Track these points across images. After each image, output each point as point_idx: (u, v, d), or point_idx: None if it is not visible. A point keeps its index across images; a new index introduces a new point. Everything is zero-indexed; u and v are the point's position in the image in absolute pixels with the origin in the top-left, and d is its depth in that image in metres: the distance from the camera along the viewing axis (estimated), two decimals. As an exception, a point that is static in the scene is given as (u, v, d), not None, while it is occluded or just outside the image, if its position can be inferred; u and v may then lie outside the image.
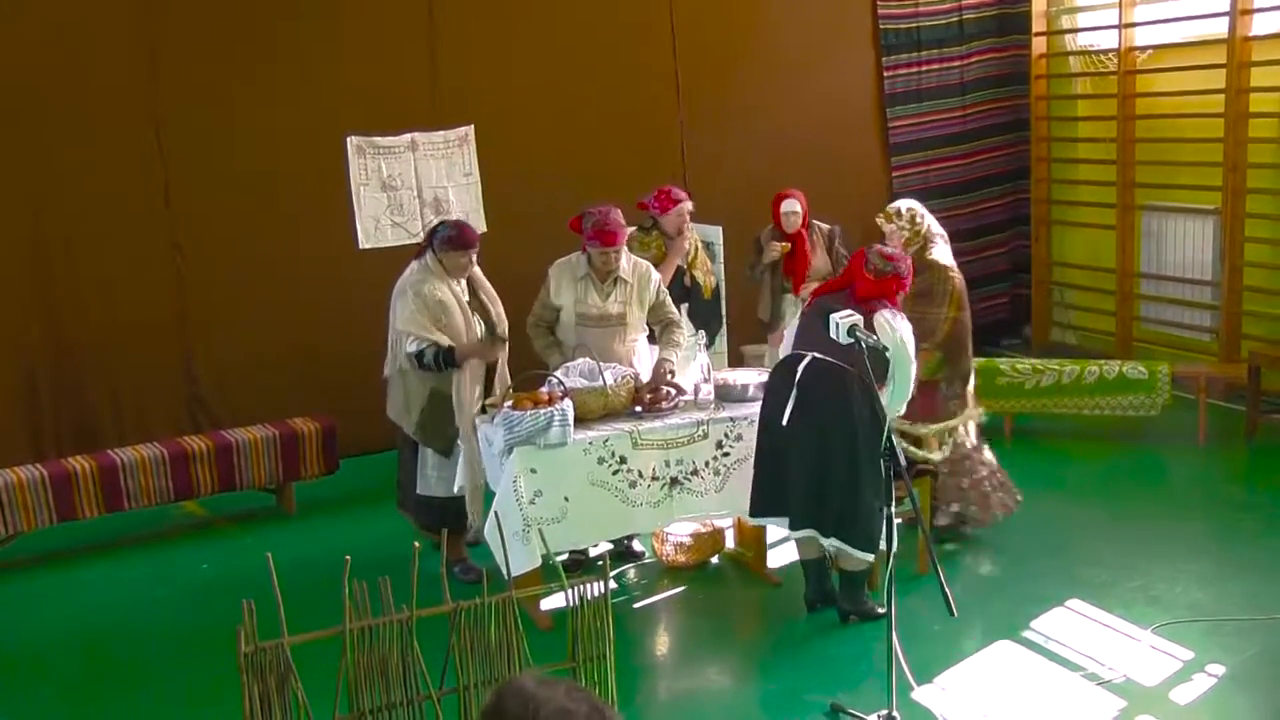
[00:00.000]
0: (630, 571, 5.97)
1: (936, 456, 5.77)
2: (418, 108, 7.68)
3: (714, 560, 6.03)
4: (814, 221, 7.14)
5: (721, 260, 7.04)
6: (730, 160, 8.49)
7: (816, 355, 4.89)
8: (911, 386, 5.00)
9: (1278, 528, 6.14)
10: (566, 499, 5.15)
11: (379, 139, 7.56)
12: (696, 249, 6.71)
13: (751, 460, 5.40)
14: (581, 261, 5.68)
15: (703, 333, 6.21)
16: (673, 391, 5.54)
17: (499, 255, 7.54)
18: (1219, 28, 8.00)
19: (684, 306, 6.65)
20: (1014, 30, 9.61)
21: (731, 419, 5.43)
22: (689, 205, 6.68)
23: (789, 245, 6.98)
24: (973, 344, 6.04)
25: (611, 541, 5.84)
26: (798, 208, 7.02)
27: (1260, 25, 7.88)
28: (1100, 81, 9.13)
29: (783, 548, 6.00)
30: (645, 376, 5.70)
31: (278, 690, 3.84)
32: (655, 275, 5.87)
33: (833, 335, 4.60)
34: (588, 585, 4.18)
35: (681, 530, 5.93)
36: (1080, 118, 9.46)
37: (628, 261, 5.73)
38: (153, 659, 5.28)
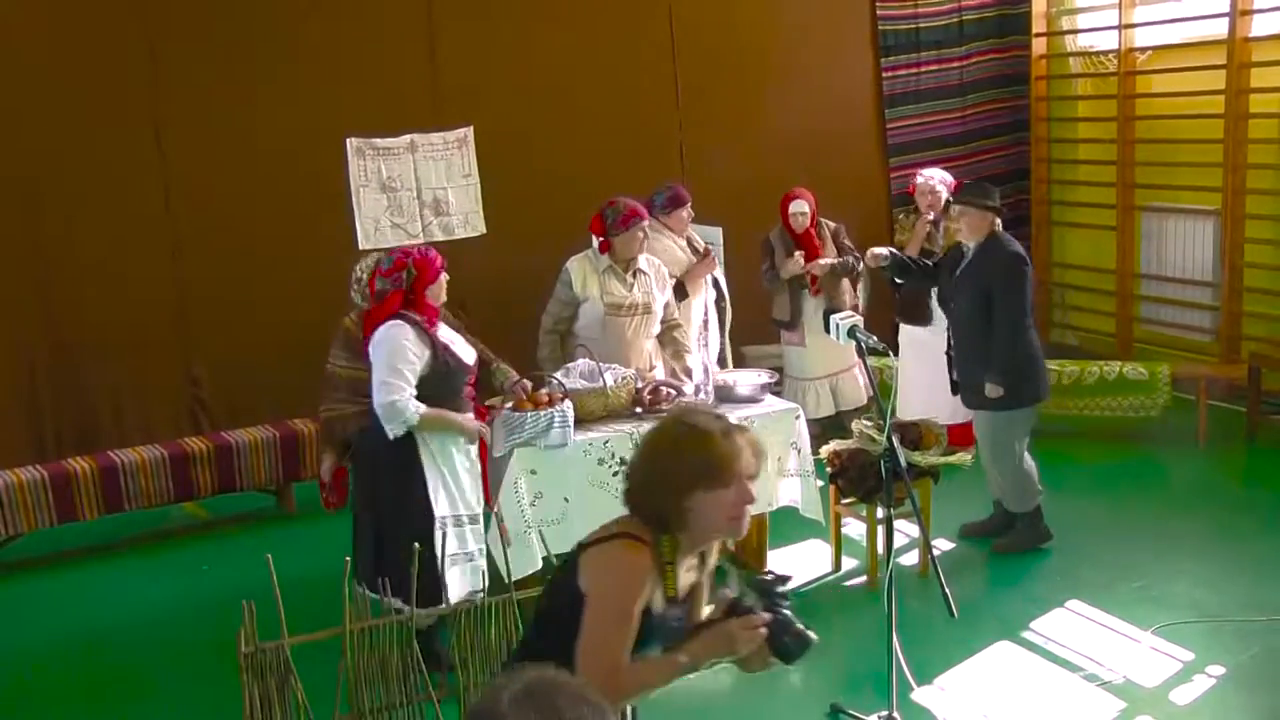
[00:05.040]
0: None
1: (935, 458, 5.77)
2: (417, 109, 7.67)
3: (714, 561, 6.02)
4: (821, 219, 7.24)
5: (722, 261, 7.04)
6: (729, 161, 8.48)
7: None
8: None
9: (1278, 528, 6.14)
10: (567, 500, 5.16)
11: (378, 140, 7.56)
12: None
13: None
14: (600, 257, 5.73)
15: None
16: (673, 392, 5.55)
17: (498, 256, 7.58)
18: (1219, 29, 8.00)
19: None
20: (1014, 31, 9.60)
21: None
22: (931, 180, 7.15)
23: (801, 260, 7.09)
24: None
25: None
26: (806, 208, 7.14)
27: (1260, 26, 7.88)
28: (1100, 82, 9.13)
29: (784, 550, 6.01)
30: (660, 373, 5.80)
31: (278, 691, 3.85)
32: (665, 270, 5.97)
33: (832, 336, 4.60)
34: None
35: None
36: (1080, 119, 9.46)
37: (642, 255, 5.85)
38: (153, 660, 5.28)
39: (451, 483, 4.74)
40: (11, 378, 6.93)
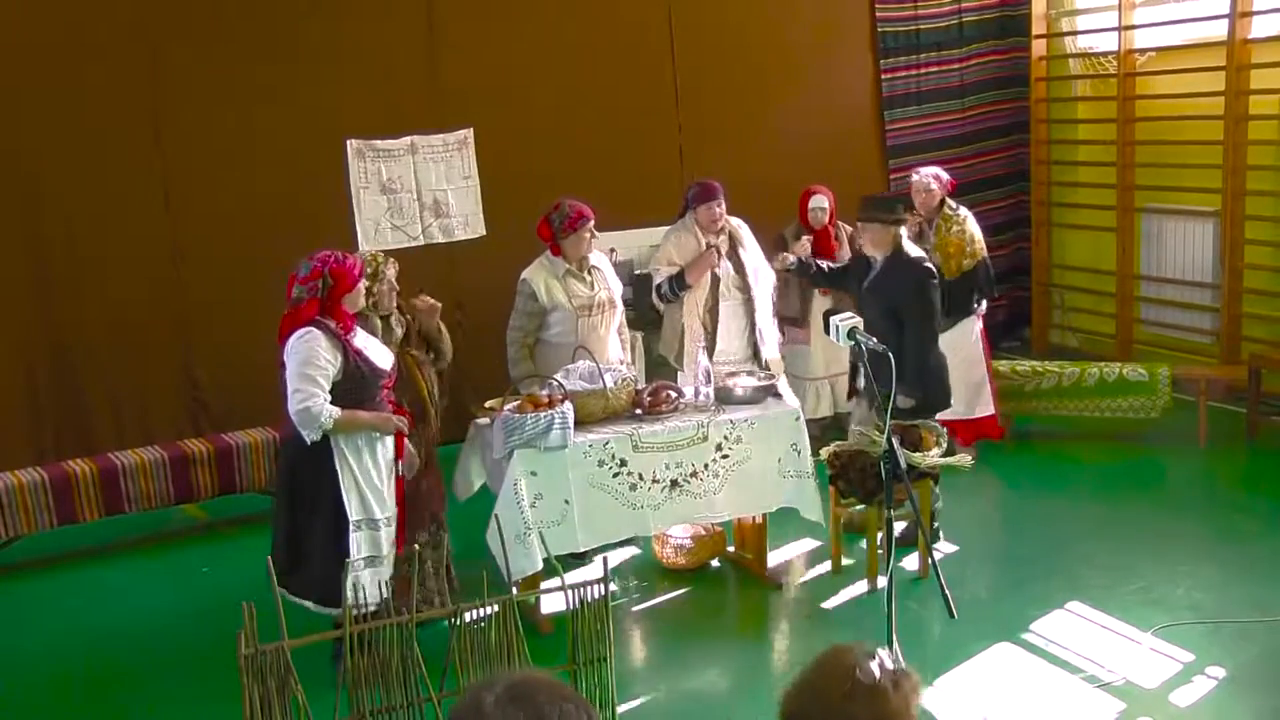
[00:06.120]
0: (630, 574, 5.97)
1: (936, 459, 5.76)
2: (417, 111, 7.67)
3: (714, 563, 6.03)
4: (839, 220, 7.25)
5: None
6: (728, 163, 8.46)
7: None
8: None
9: (1278, 530, 6.14)
10: (567, 502, 5.15)
11: (378, 142, 7.56)
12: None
13: (751, 463, 5.42)
14: (556, 262, 5.75)
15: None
16: (673, 394, 5.55)
17: (498, 257, 7.55)
18: (1219, 30, 8.01)
19: None
20: (1014, 32, 9.61)
21: (731, 421, 5.44)
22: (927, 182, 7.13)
23: (809, 245, 7.05)
24: None
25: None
26: (825, 204, 7.16)
27: (1260, 28, 7.89)
28: (1100, 84, 9.14)
29: (784, 550, 6.01)
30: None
31: (278, 693, 3.84)
32: (606, 261, 6.08)
33: (832, 337, 4.60)
34: (588, 587, 4.18)
35: (682, 532, 5.93)
36: (1080, 120, 9.47)
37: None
38: (153, 662, 5.28)
39: (365, 486, 4.73)
40: (11, 378, 6.92)
